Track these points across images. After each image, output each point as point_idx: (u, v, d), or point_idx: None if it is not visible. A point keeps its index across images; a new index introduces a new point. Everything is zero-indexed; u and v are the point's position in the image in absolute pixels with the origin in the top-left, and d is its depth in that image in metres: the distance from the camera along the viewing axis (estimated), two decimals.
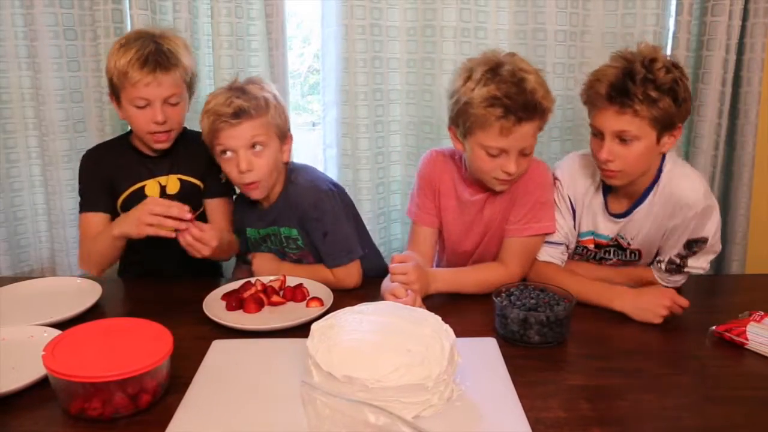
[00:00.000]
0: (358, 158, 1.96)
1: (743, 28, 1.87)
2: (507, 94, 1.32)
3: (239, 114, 1.40)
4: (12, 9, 1.81)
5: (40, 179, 1.96)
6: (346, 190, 1.67)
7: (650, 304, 1.32)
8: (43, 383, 1.03)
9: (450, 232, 1.57)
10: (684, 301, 1.33)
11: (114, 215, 1.54)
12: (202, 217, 1.61)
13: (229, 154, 1.44)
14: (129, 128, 1.61)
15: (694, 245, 1.41)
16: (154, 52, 1.46)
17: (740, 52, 1.89)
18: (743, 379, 1.13)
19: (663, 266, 1.45)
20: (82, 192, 1.58)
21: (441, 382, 0.96)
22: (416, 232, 1.58)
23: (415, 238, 1.58)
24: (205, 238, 1.35)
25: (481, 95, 1.33)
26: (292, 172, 1.54)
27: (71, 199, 1.91)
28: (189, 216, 1.33)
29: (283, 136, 1.50)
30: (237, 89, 1.45)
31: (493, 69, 1.35)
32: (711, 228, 1.39)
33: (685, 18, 1.84)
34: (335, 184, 1.60)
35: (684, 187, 1.38)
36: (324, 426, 0.91)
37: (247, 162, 1.42)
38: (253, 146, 1.43)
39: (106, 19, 1.79)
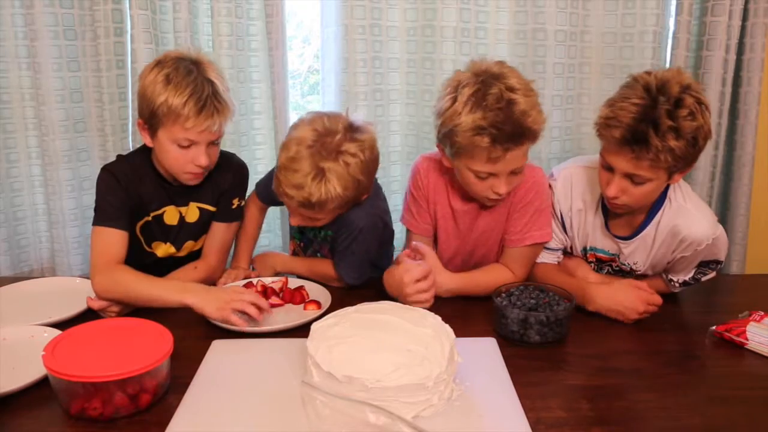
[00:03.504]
0: None
1: (743, 28, 1.87)
2: (494, 123, 1.23)
3: (303, 205, 1.36)
4: (12, 9, 1.81)
5: (40, 179, 1.96)
6: None
7: (622, 306, 1.31)
8: (43, 383, 1.03)
9: (445, 241, 1.55)
10: (657, 299, 1.32)
11: (132, 237, 1.43)
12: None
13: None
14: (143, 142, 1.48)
15: (707, 267, 1.39)
16: (212, 96, 1.34)
17: (740, 52, 1.89)
18: (743, 379, 1.13)
19: (677, 285, 1.42)
20: (101, 204, 1.41)
21: (441, 382, 0.96)
22: (412, 240, 1.55)
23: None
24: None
25: (467, 123, 1.25)
26: None
27: (71, 199, 1.91)
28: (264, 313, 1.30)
29: (358, 201, 1.43)
30: (318, 172, 1.31)
31: (480, 91, 1.26)
32: (723, 250, 1.37)
33: (685, 18, 1.84)
34: (387, 214, 1.56)
35: (691, 227, 1.32)
36: (324, 426, 0.91)
37: (307, 222, 1.45)
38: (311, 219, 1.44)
39: (106, 19, 1.79)
